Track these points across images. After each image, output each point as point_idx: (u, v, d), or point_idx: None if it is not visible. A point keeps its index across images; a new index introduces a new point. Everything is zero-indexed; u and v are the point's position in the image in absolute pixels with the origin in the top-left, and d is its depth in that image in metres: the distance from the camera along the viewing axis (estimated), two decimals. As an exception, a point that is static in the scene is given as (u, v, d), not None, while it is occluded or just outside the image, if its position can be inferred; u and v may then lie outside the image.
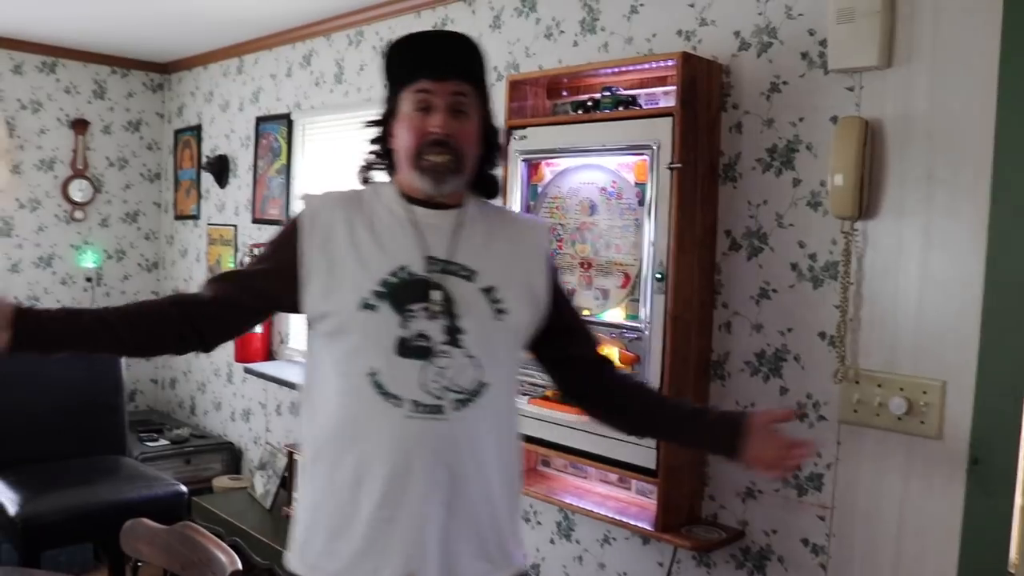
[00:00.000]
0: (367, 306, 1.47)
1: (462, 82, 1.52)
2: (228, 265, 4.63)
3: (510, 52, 3.04)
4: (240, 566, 1.78)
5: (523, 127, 2.61)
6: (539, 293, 1.60)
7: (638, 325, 2.33)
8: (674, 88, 2.28)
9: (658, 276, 2.27)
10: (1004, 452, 1.87)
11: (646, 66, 2.44)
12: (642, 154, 2.32)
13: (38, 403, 3.67)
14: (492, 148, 1.62)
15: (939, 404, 1.95)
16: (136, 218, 5.23)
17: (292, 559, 1.55)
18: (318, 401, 1.55)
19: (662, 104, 2.43)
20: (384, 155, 1.61)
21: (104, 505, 3.33)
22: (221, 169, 4.73)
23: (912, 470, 2.02)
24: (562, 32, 2.86)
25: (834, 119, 2.13)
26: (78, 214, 4.97)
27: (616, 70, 2.52)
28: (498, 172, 1.66)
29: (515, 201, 2.62)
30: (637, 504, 2.47)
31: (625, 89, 2.49)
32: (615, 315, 2.43)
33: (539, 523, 2.92)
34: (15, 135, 4.74)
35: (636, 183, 2.37)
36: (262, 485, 3.70)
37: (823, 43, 2.16)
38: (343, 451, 1.48)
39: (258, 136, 4.46)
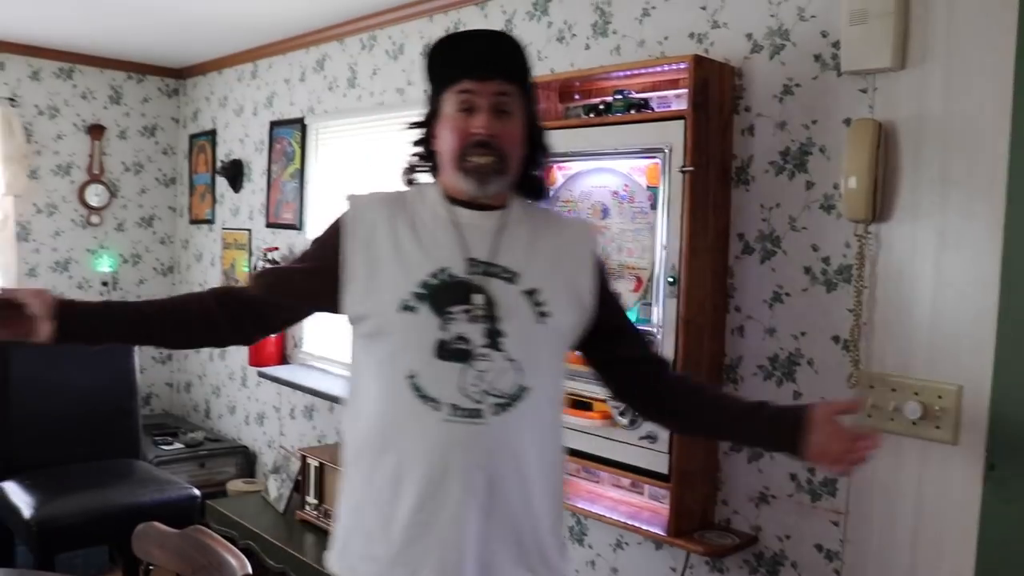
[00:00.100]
0: (406, 308, 1.46)
1: (505, 81, 1.50)
2: (242, 269, 4.65)
3: (522, 55, 3.03)
4: (250, 570, 1.78)
5: (535, 130, 2.60)
6: (584, 295, 1.57)
7: (650, 329, 2.32)
8: (686, 91, 2.26)
9: (670, 280, 2.25)
10: (1022, 458, 1.84)
11: (658, 69, 2.43)
12: (654, 157, 2.30)
13: (53, 407, 3.70)
14: (538, 148, 1.59)
15: (955, 408, 1.93)
16: (151, 222, 5.27)
17: (332, 559, 1.55)
18: (360, 403, 1.54)
19: (674, 107, 2.42)
20: (428, 157, 1.59)
21: (117, 508, 3.35)
22: (235, 173, 4.75)
23: (927, 476, 2.00)
24: (574, 35, 2.85)
25: (847, 121, 2.12)
26: (94, 219, 5.01)
27: (628, 73, 2.51)
28: (543, 173, 1.63)
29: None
30: (650, 509, 2.45)
31: (637, 92, 2.48)
32: (627, 319, 2.41)
33: (551, 528, 2.90)
34: (32, 140, 4.78)
35: (648, 186, 2.36)
36: (275, 489, 3.70)
37: (836, 45, 2.14)
38: (382, 453, 1.48)
39: (272, 140, 4.47)
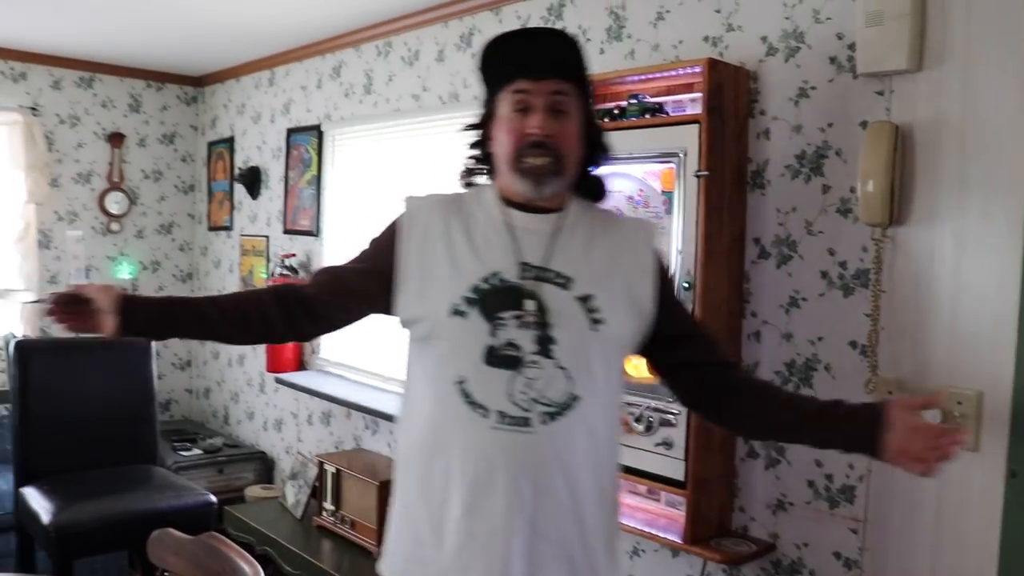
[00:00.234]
0: (457, 312, 1.44)
1: (561, 80, 1.47)
2: (260, 276, 4.68)
3: (537, 61, 3.03)
4: (263, 576, 1.78)
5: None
6: (643, 300, 1.53)
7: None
8: (701, 95, 2.25)
9: (686, 285, 2.24)
10: (1043, 464, 1.81)
11: (672, 73, 2.41)
12: (669, 162, 2.29)
13: (71, 414, 3.73)
14: (596, 148, 1.57)
15: (975, 415, 1.90)
16: (171, 229, 5.31)
17: (383, 565, 1.55)
18: (412, 408, 1.54)
19: (689, 111, 2.40)
20: (484, 159, 1.58)
21: (135, 514, 3.36)
22: (253, 180, 4.78)
23: (947, 483, 1.96)
24: (588, 40, 2.84)
25: (864, 124, 2.10)
26: (114, 226, 5.05)
27: (642, 77, 2.49)
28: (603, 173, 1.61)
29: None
30: (666, 516, 2.43)
31: (652, 96, 2.46)
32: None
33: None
34: (53, 149, 4.83)
35: (663, 191, 2.34)
36: (293, 495, 3.71)
37: (852, 47, 2.12)
38: (431, 460, 1.47)
39: (289, 147, 4.49)
